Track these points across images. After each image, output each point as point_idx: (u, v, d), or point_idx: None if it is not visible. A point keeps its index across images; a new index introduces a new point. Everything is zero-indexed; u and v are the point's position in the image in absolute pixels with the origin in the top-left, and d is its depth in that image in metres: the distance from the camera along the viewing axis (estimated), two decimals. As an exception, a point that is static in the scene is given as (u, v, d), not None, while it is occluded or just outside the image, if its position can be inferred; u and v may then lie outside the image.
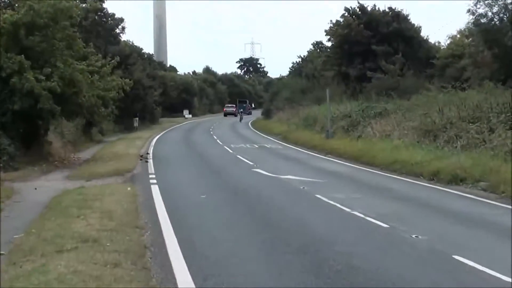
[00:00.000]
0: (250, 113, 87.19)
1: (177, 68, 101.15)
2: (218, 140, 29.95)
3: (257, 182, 13.75)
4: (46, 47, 16.93)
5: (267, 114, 52.81)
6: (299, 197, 11.32)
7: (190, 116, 66.72)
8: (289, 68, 69.10)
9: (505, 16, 23.22)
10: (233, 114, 71.35)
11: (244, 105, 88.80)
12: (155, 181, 13.76)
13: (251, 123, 53.70)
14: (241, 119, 53.88)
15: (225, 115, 77.56)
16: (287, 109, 41.03)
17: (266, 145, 26.76)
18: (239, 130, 42.91)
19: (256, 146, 26.37)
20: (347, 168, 17.35)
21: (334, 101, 30.21)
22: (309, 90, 42.05)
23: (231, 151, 23.32)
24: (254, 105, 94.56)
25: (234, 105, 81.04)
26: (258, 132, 39.56)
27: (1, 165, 14.87)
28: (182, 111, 67.44)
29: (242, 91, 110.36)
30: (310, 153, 22.99)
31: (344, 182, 14.09)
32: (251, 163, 18.25)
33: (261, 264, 6.28)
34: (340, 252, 6.78)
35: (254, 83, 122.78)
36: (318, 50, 55.40)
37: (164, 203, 10.32)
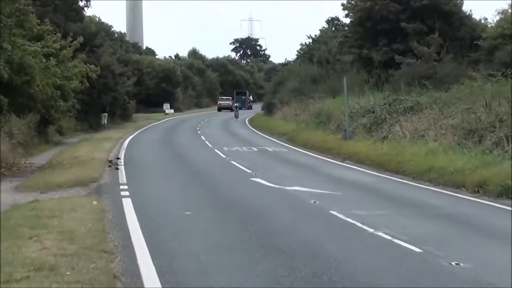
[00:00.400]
0: (250, 108, 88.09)
1: (155, 50, 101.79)
2: (207, 142, 30.12)
3: (256, 195, 13.80)
4: (-10, 24, 16.93)
5: (268, 109, 52.92)
6: (309, 214, 11.36)
7: (172, 111, 66.95)
8: (297, 51, 69.09)
9: None
10: (229, 108, 71.76)
11: (243, 97, 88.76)
12: (127, 193, 13.79)
13: (248, 120, 53.76)
14: (236, 116, 53.73)
15: (220, 109, 78.14)
16: (294, 103, 41.14)
17: (267, 148, 26.87)
18: (233, 129, 43.00)
19: (255, 149, 26.48)
20: (370, 177, 17.43)
21: (353, 92, 30.28)
22: (321, 79, 42.15)
23: (223, 155, 23.42)
24: (252, 97, 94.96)
25: (230, 98, 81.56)
26: (257, 132, 39.63)
27: None
28: (162, 105, 67.72)
29: (237, 80, 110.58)
30: (323, 158, 23.09)
31: (366, 195, 14.15)
32: (248, 170, 18.33)
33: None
34: (362, 283, 6.79)
35: (252, 69, 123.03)
36: (334, 28, 55.58)
37: (139, 222, 10.38)
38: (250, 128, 44.00)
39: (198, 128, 42.03)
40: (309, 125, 32.42)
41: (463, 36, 34.88)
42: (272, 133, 36.20)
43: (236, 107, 56.87)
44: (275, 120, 43.02)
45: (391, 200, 13.30)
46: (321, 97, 36.52)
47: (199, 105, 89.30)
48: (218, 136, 34.85)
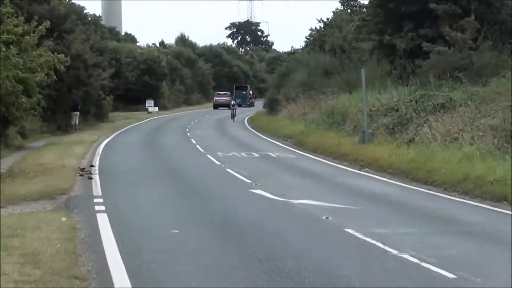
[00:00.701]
0: (252, 105, 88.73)
1: (136, 37, 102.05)
2: (198, 146, 30.23)
3: (257, 210, 13.84)
4: None
5: (271, 107, 53.04)
6: (320, 233, 11.38)
7: (157, 109, 67.12)
8: (306, 37, 69.15)
9: None
10: (227, 105, 72.13)
11: (244, 92, 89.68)
12: (103, 207, 13.82)
13: (248, 120, 53.83)
14: (233, 115, 53.38)
15: (216, 107, 78.93)
16: (302, 99, 41.24)
17: (270, 153, 26.99)
18: (230, 130, 43.16)
19: (256, 154, 26.58)
20: (393, 189, 17.48)
21: (373, 87, 30.30)
22: (335, 71, 42.19)
23: (218, 162, 23.51)
24: (253, 93, 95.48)
25: (228, 93, 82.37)
26: (258, 134, 39.74)
27: None
28: (145, 102, 67.92)
29: (234, 71, 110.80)
30: (337, 165, 23.18)
31: (388, 209, 14.18)
32: (248, 180, 18.40)
33: None
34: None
35: (252, 59, 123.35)
36: (349, 10, 55.49)
37: (117, 241, 10.40)
38: (250, 130, 44.01)
39: (187, 129, 42.14)
40: (320, 126, 32.53)
41: (504, 19, 34.77)
42: (276, 135, 36.31)
43: (233, 105, 55.60)
44: (280, 120, 43.09)
45: (418, 215, 13.32)
46: (335, 93, 36.58)
47: (188, 102, 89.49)
48: (212, 139, 34.89)
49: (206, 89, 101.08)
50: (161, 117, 59.32)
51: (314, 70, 45.48)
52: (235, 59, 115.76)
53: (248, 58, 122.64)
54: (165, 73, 77.47)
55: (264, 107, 61.98)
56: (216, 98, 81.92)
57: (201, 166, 22.32)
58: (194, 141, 32.95)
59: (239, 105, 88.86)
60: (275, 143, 32.64)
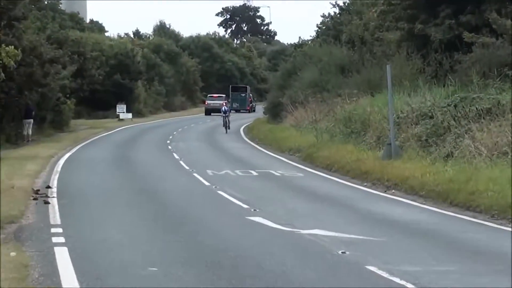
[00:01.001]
0: (253, 110, 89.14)
1: (104, 25, 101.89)
2: (182, 162, 30.30)
3: (256, 243, 13.85)
4: None
5: (274, 113, 53.17)
6: (335, 271, 11.37)
7: (130, 116, 67.17)
8: (317, 25, 68.97)
9: None
10: (226, 110, 71.86)
11: (243, 95, 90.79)
12: (62, 239, 13.79)
13: (244, 130, 53.73)
14: (226, 126, 51.75)
15: (208, 112, 79.58)
16: (312, 103, 41.32)
17: (273, 171, 27.04)
18: (222, 142, 43.26)
19: (254, 173, 26.66)
20: (427, 215, 17.49)
21: (401, 87, 30.31)
22: (353, 68, 42.26)
23: (206, 182, 23.60)
24: (252, 95, 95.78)
25: (224, 96, 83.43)
26: (257, 147, 39.80)
27: None
28: (115, 107, 67.90)
29: (227, 68, 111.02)
30: (356, 186, 23.23)
31: (420, 241, 14.16)
32: (244, 205, 18.44)
33: None
34: None
35: (250, 53, 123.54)
36: (372, -9, 55.59)
37: (80, 283, 10.36)
38: (247, 141, 44.08)
39: (169, 141, 42.24)
40: (335, 136, 32.62)
41: None
42: (280, 148, 36.41)
43: (225, 111, 53.05)
44: (284, 129, 43.20)
45: (458, 249, 13.31)
46: (353, 95, 36.59)
47: (170, 107, 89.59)
48: (199, 154, 34.92)
49: (192, 91, 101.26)
50: (135, 126, 59.36)
51: (327, 66, 45.55)
52: (228, 53, 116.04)
53: (245, 52, 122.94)
54: (140, 71, 77.60)
55: (264, 113, 61.91)
56: (209, 101, 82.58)
57: (185, 188, 22.34)
58: (177, 156, 32.97)
59: (237, 111, 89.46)
60: (278, 159, 32.69)
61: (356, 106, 34.23)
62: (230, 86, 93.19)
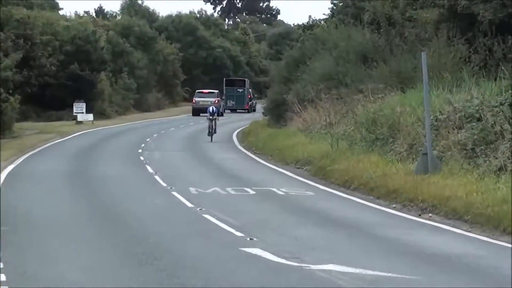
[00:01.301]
0: (253, 109, 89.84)
1: (59, 2, 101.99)
2: (158, 177, 30.35)
3: (254, 281, 13.82)
4: None
5: (276, 113, 53.26)
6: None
7: (91, 117, 67.05)
8: (331, 2, 69.14)
9: None
10: (213, 111, 72.06)
11: (240, 90, 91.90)
12: (3, 277, 13.63)
13: (238, 135, 53.56)
14: (211, 131, 50.80)
15: (196, 112, 80.00)
16: (326, 102, 41.38)
17: (274, 189, 27.08)
18: (209, 151, 43.29)
19: (251, 191, 26.74)
20: (474, 246, 17.43)
21: (440, 81, 30.27)
22: (379, 56, 42.14)
23: (189, 203, 23.57)
24: (251, 91, 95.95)
25: (216, 92, 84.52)
26: (254, 157, 39.85)
27: None
28: (71, 106, 67.59)
29: (215, 57, 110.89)
30: (383, 208, 23.24)
31: (466, 280, 14.11)
32: (238, 233, 18.42)
33: None
34: None
35: (246, 37, 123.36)
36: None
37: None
38: (242, 150, 44.13)
39: (140, 151, 42.27)
40: (355, 144, 32.65)
41: None
42: (283, 159, 36.47)
43: (212, 112, 51.06)
44: (289, 134, 43.17)
45: (516, 291, 13.25)
46: (379, 91, 36.63)
47: (142, 106, 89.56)
48: (180, 166, 34.92)
49: (172, 86, 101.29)
50: (98, 130, 59.32)
51: (345, 54, 45.55)
52: (217, 36, 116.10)
53: (239, 36, 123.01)
54: (104, 60, 77.61)
55: (264, 114, 61.79)
56: (197, 99, 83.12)
57: (162, 211, 22.30)
58: (151, 170, 33.02)
59: (233, 110, 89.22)
60: (281, 173, 32.73)
61: (383, 105, 34.17)
62: (224, 79, 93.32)
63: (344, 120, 37.39)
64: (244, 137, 51.85)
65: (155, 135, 54.95)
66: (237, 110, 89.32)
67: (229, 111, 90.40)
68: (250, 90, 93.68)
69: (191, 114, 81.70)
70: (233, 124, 63.25)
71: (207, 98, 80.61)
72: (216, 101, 78.02)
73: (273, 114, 54.80)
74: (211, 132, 50.42)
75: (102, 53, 76.85)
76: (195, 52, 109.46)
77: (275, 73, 63.87)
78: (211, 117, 50.20)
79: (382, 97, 35.63)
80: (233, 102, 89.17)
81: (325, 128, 38.49)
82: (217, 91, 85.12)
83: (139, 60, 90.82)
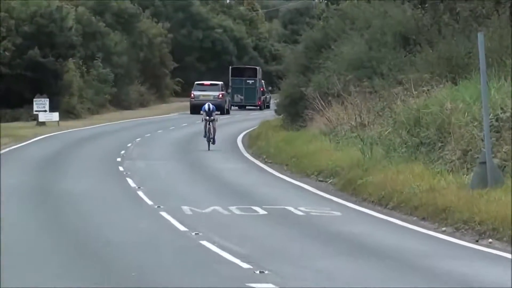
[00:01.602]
0: (267, 106, 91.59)
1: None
2: (142, 193, 30.52)
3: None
4: None
5: (293, 111, 53.60)
6: None
7: (56, 117, 66.96)
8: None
9: None
10: (217, 106, 72.07)
11: (251, 82, 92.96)
12: None
13: (244, 139, 53.50)
14: (210, 135, 49.86)
15: (195, 109, 78.90)
16: (356, 97, 41.55)
17: (290, 208, 27.16)
18: (207, 160, 43.67)
19: (261, 210, 26.83)
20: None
21: (501, 70, 30.30)
22: (423, 38, 42.23)
23: (182, 227, 23.63)
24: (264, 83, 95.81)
25: (220, 84, 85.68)
26: (264, 167, 40.16)
27: None
28: (31, 103, 67.33)
29: (216, 39, 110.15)
30: (430, 232, 23.21)
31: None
32: (244, 264, 18.44)
33: None
34: None
35: (252, 14, 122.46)
36: None
37: None
38: (249, 159, 44.40)
39: (120, 160, 42.49)
40: (394, 151, 32.72)
41: None
42: (302, 170, 36.69)
43: (209, 111, 49.72)
44: (310, 138, 43.33)
45: None
46: (424, 82, 36.64)
47: (122, 103, 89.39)
48: (170, 179, 35.18)
49: (159, 77, 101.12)
50: (65, 134, 59.32)
51: (380, 36, 45.73)
52: (217, 13, 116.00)
53: (245, 12, 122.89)
54: (73, 43, 77.43)
55: (277, 112, 61.67)
56: (196, 92, 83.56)
57: (147, 238, 22.26)
58: (133, 184, 33.16)
59: (241, 107, 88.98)
60: (300, 187, 32.88)
61: (428, 100, 34.16)
62: (231, 67, 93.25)
63: (379, 119, 37.49)
64: (251, 141, 51.74)
65: (138, 139, 55.03)
66: (247, 107, 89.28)
67: (236, 107, 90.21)
68: (262, 81, 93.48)
69: (183, 113, 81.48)
70: (238, 124, 63.21)
71: (209, 92, 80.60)
72: (221, 95, 78.03)
73: (289, 113, 54.88)
74: (208, 137, 49.37)
75: (70, 34, 76.57)
76: (189, 33, 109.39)
77: (290, 60, 63.51)
78: (207, 117, 48.83)
79: (428, 90, 35.61)
80: (242, 97, 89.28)
81: (355, 130, 38.54)
82: (221, 83, 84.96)
83: (117, 43, 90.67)
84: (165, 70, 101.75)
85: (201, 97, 79.73)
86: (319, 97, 46.04)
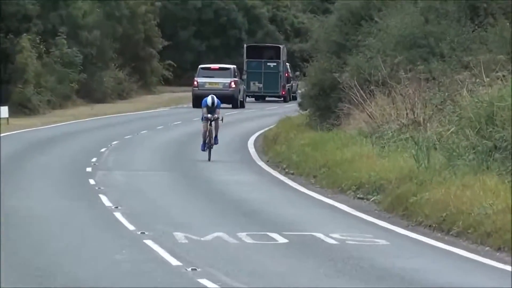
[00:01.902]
0: (293, 97, 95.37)
1: None
2: (120, 215, 30.67)
3: None
4: None
5: (322, 106, 54.37)
6: None
7: (6, 112, 68.17)
8: None
9: None
10: (227, 97, 73.20)
11: (272, 65, 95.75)
12: None
13: (257, 142, 54.15)
14: (209, 144, 49.73)
15: (198, 101, 79.81)
16: (407, 86, 41.76)
17: (320, 235, 27.32)
18: (207, 170, 44.53)
19: (280, 238, 27.01)
20: None
21: None
22: (496, 8, 42.12)
23: (174, 260, 23.66)
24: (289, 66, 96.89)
25: (232, 68, 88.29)
26: (284, 180, 40.70)
27: None
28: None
29: (219, 9, 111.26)
30: (507, 268, 23.27)
31: None
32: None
33: None
34: None
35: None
36: None
37: None
38: (263, 168, 44.98)
39: (90, 169, 43.00)
40: (458, 158, 32.90)
41: None
42: (335, 183, 37.13)
43: (210, 106, 49.59)
44: (346, 141, 43.70)
45: None
46: (498, 66, 36.96)
47: (94, 94, 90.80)
48: (157, 195, 35.57)
49: (143, 59, 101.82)
50: (18, 135, 60.49)
51: (439, 4, 46.09)
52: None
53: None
54: (27, 14, 77.86)
55: (301, 105, 61.98)
56: (201, 79, 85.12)
57: (126, 273, 22.14)
58: (108, 202, 33.31)
59: (259, 97, 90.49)
60: (332, 206, 33.20)
61: (505, 90, 34.32)
62: (245, 46, 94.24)
63: (439, 116, 37.71)
64: (267, 145, 52.25)
65: (115, 142, 55.86)
66: (266, 98, 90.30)
67: (252, 98, 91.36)
68: (288, 65, 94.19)
69: (176, 107, 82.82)
70: (249, 123, 63.43)
71: (217, 79, 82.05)
72: (233, 83, 78.54)
73: (317, 107, 55.43)
74: (208, 144, 48.83)
75: (24, 3, 76.93)
76: (184, 7, 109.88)
77: (319, 36, 63.62)
78: (209, 115, 47.90)
79: (504, 76, 35.94)
80: (260, 85, 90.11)
81: (407, 129, 38.78)
82: (234, 66, 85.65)
83: (87, 14, 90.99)
84: (152, 50, 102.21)
85: (207, 86, 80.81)
86: (357, 86, 46.21)
